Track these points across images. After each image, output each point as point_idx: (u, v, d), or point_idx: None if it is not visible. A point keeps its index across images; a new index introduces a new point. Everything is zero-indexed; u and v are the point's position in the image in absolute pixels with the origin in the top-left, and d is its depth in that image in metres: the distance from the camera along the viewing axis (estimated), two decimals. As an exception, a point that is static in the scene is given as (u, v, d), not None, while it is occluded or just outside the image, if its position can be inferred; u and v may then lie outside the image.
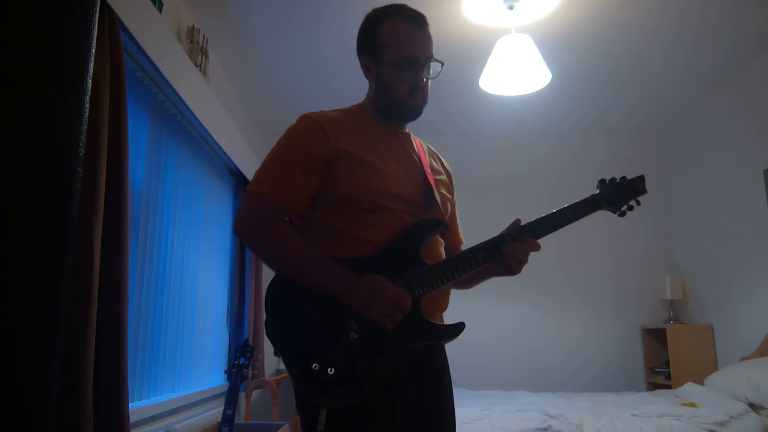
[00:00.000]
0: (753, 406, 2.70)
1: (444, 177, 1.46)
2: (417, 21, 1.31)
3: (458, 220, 1.54)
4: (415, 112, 1.34)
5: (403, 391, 1.18)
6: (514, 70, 2.68)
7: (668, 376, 3.82)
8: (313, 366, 1.10)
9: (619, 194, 1.39)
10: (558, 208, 1.35)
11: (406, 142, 1.40)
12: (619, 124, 4.39)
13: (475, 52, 3.18)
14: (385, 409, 1.15)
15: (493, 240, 1.29)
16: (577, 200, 1.37)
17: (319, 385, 1.10)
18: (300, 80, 3.67)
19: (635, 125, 4.42)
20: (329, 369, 1.10)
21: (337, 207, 1.26)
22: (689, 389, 3.16)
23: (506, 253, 1.27)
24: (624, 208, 1.40)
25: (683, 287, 4.14)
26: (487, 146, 4.47)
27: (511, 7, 2.75)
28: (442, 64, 1.34)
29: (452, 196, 1.48)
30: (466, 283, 1.47)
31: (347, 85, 3.72)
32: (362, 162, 1.26)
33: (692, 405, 2.81)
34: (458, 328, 1.23)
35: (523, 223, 1.33)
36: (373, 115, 1.37)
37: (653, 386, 4.04)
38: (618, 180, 1.40)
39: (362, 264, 1.20)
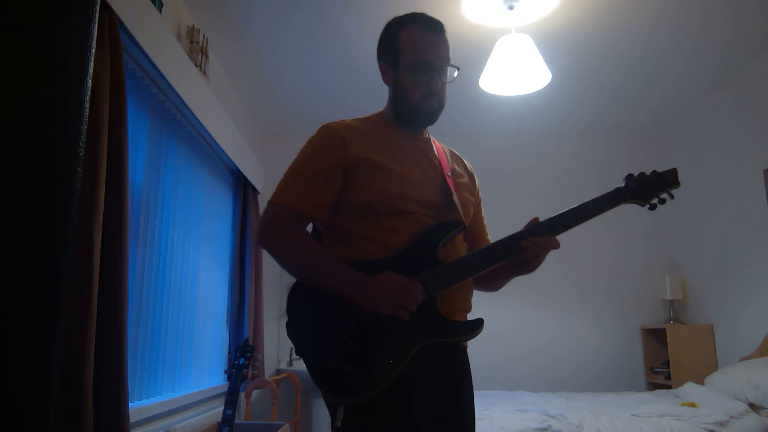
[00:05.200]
0: (753, 406, 2.71)
1: (466, 180, 1.46)
2: (433, 27, 1.35)
3: (485, 221, 1.54)
4: (430, 116, 1.36)
5: (420, 389, 1.18)
6: (514, 70, 2.68)
7: (668, 376, 3.82)
8: (330, 363, 1.14)
9: (647, 186, 1.37)
10: (579, 203, 1.33)
11: (426, 146, 1.41)
12: (620, 124, 4.39)
13: (475, 52, 3.18)
14: (401, 408, 1.16)
15: (511, 237, 1.29)
16: (599, 195, 1.35)
17: (335, 382, 1.13)
18: (299, 80, 3.67)
19: (635, 125, 4.42)
20: (345, 366, 1.13)
21: (357, 212, 1.28)
22: (689, 389, 3.16)
23: (524, 247, 1.27)
24: (654, 201, 1.38)
25: (683, 287, 4.14)
26: (487, 146, 4.47)
27: (511, 7, 2.75)
28: (458, 68, 1.36)
29: (476, 198, 1.49)
30: (489, 284, 1.47)
31: (346, 85, 3.72)
32: (380, 167, 1.28)
33: (692, 405, 2.81)
34: (476, 325, 1.23)
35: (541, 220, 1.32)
36: (393, 121, 1.39)
37: (653, 386, 4.04)
38: (648, 174, 1.38)
39: (378, 266, 1.21)
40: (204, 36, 2.88)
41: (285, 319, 1.22)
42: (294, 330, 1.21)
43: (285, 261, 1.26)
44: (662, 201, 1.39)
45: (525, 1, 2.75)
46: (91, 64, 0.67)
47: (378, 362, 1.14)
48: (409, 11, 1.40)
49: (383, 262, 1.23)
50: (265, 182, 3.97)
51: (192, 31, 2.78)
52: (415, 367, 1.16)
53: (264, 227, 1.28)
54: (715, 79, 3.65)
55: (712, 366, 3.71)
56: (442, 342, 1.22)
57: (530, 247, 1.27)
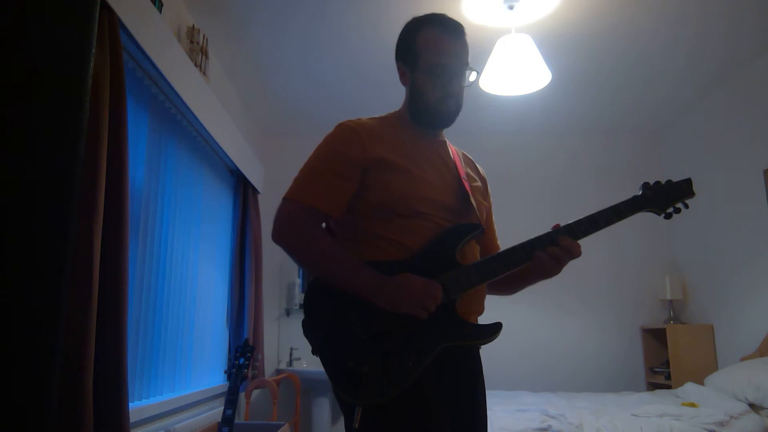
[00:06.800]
0: (753, 406, 2.70)
1: (479, 184, 1.46)
2: (453, 30, 1.33)
3: (495, 226, 1.54)
4: (447, 119, 1.35)
5: (437, 391, 1.18)
6: (514, 70, 2.68)
7: (668, 376, 3.82)
8: (348, 364, 1.13)
9: (662, 196, 1.36)
10: (597, 211, 1.32)
11: (442, 149, 1.40)
12: (619, 124, 4.39)
13: (475, 52, 3.16)
14: (419, 409, 1.15)
15: (530, 241, 1.28)
16: (618, 202, 1.34)
17: (353, 383, 1.13)
18: (299, 80, 3.67)
19: (635, 125, 4.42)
20: (363, 367, 1.13)
21: (373, 212, 1.27)
22: (689, 389, 3.16)
23: (539, 254, 1.25)
24: (670, 210, 1.37)
25: (683, 287, 4.14)
26: (487, 146, 4.46)
27: (511, 7, 2.75)
28: (478, 73, 1.35)
29: (488, 202, 1.48)
30: (506, 288, 1.46)
31: (346, 85, 3.72)
32: (397, 168, 1.27)
33: (692, 405, 2.81)
34: (495, 328, 1.22)
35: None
36: (409, 122, 1.38)
37: (653, 386, 4.04)
38: (663, 183, 1.38)
39: (397, 266, 1.20)
40: (204, 36, 2.88)
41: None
42: (311, 329, 1.20)
43: (301, 258, 1.26)
44: (677, 210, 1.37)
45: (525, 1, 2.75)
46: (91, 65, 0.67)
47: (397, 363, 1.13)
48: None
49: (400, 262, 1.22)
50: (265, 182, 3.97)
51: (192, 31, 2.78)
52: (432, 369, 1.16)
53: (280, 223, 1.26)
54: (715, 79, 3.65)
55: (712, 366, 3.70)
56: (461, 344, 1.22)
57: (548, 253, 1.25)
